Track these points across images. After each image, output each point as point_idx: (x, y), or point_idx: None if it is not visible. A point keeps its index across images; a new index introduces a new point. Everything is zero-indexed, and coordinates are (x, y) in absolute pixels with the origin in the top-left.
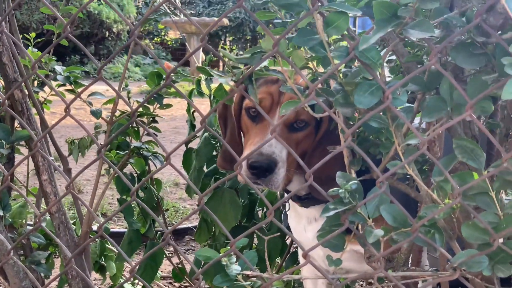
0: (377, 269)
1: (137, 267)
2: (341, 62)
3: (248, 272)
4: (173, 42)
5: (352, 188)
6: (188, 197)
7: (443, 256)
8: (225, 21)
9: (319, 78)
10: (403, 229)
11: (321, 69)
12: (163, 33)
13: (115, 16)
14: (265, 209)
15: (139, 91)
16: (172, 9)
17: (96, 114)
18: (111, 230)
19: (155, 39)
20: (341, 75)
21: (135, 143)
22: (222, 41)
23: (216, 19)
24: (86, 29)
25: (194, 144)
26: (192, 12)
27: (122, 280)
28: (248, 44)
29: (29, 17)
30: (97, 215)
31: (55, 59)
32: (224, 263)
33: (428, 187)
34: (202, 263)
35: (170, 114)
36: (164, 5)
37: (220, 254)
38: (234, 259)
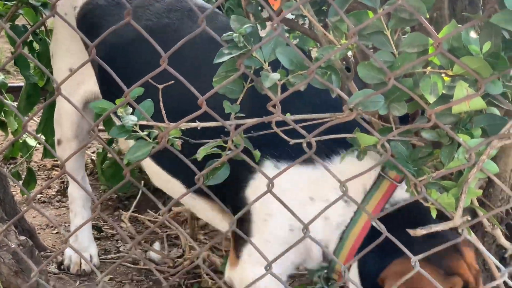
0: (275, 113)
1: (30, 120)
2: None
3: (144, 122)
4: None
5: (246, 31)
6: None
7: (342, 99)
8: None
9: None
10: (300, 72)
11: None
12: None
13: None
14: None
15: None
16: None
17: None
18: (10, 84)
19: None
20: None
21: None
22: None
23: None
24: None
25: None
26: None
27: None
28: None
29: None
30: None
31: None
32: (120, 114)
33: (325, 29)
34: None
35: None
36: None
37: (115, 105)
38: (130, 110)
